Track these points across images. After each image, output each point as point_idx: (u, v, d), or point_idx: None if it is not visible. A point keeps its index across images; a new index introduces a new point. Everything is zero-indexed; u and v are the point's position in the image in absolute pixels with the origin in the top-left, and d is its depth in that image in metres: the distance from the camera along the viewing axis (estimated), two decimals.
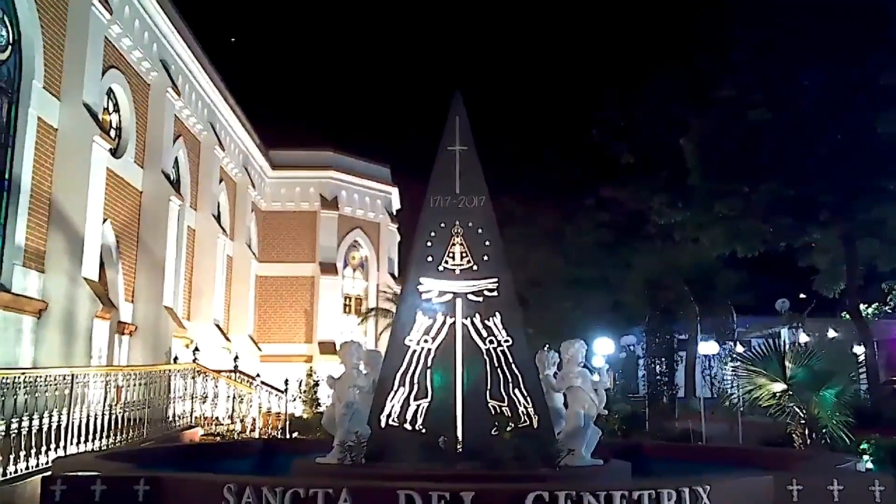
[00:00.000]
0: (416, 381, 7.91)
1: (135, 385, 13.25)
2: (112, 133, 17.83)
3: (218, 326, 23.52)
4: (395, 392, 7.89)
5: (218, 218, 24.83)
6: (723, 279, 24.06)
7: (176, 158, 21.63)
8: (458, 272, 8.11)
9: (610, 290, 32.01)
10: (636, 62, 30.74)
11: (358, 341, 8.03)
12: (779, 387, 11.80)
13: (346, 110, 58.40)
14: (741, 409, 15.21)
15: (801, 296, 35.79)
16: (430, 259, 8.17)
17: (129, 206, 18.33)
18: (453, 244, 8.18)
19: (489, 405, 7.78)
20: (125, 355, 17.78)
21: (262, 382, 18.29)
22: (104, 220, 16.66)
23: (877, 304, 33.53)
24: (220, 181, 25.38)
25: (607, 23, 48.41)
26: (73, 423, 10.38)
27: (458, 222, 8.21)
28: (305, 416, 19.34)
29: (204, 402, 16.03)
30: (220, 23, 44.39)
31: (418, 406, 7.85)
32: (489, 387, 7.83)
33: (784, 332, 27.79)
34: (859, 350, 26.20)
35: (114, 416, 12.04)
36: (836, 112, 20.91)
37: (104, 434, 11.46)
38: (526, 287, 26.74)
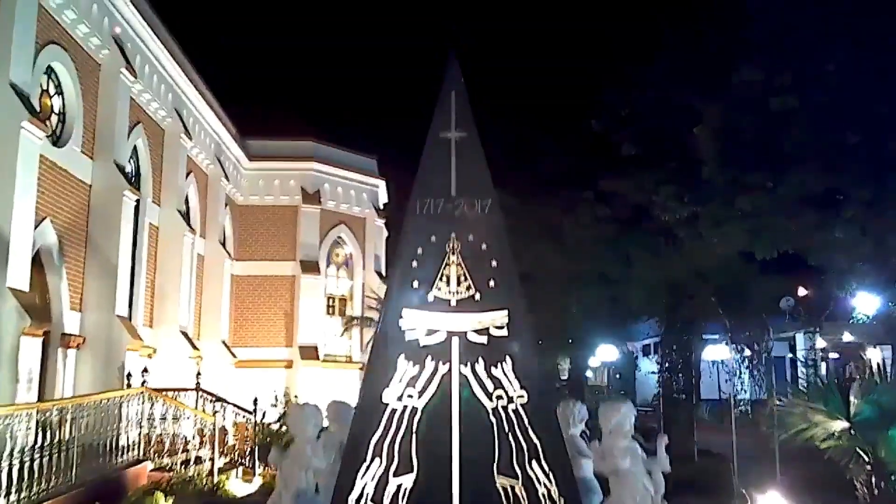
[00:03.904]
0: (396, 451, 5.84)
1: (68, 418, 11.14)
2: (54, 119, 15.59)
3: (185, 334, 21.29)
4: (369, 466, 5.80)
5: (186, 214, 22.60)
6: (757, 286, 21.82)
7: (135, 148, 19.36)
8: (454, 303, 6.01)
9: (611, 288, 30.09)
10: (640, 44, 28.66)
11: (315, 404, 5.84)
12: (840, 425, 9.82)
13: (329, 97, 55.97)
14: (772, 425, 13.26)
15: (801, 292, 34.10)
16: (415, 285, 6.04)
17: (75, 201, 16.07)
18: (448, 265, 6.06)
19: (497, 484, 5.73)
20: (71, 373, 15.56)
21: (227, 402, 16.21)
22: (42, 219, 14.47)
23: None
24: (189, 173, 23.11)
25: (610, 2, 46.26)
26: None
27: (454, 235, 6.07)
28: (284, 429, 17.42)
29: (156, 429, 13.93)
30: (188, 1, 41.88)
31: (399, 486, 5.78)
32: (497, 459, 5.77)
33: (799, 338, 25.88)
34: (877, 355, 24.37)
35: (42, 460, 9.93)
36: (868, 99, 18.87)
37: (15, 487, 9.31)
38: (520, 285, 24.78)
